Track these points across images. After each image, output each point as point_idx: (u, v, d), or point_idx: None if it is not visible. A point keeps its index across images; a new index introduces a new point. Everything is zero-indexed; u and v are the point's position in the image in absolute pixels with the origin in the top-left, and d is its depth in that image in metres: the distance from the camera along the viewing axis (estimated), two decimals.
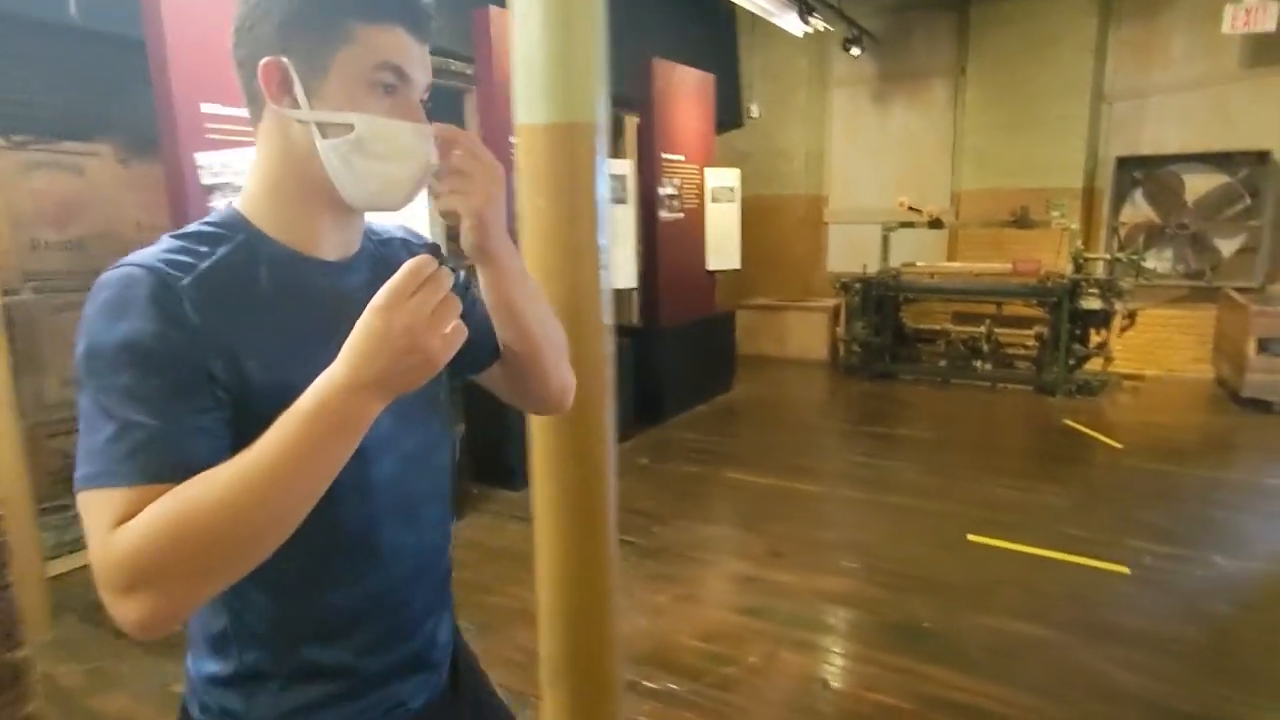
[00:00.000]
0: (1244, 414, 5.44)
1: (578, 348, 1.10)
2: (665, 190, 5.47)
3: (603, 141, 1.46)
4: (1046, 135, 6.76)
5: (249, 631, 0.81)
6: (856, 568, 3.30)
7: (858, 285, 6.66)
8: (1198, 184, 6.36)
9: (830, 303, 7.51)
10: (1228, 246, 6.38)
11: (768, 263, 7.89)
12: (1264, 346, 5.34)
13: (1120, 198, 6.66)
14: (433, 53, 0.82)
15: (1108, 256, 6.38)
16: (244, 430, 0.70)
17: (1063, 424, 5.32)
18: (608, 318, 1.54)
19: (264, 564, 0.69)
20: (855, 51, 6.78)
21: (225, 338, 0.72)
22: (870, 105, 7.69)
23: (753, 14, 6.10)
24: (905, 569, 3.27)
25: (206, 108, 2.71)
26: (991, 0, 6.91)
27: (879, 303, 6.65)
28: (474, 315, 0.86)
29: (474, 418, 4.35)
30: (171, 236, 0.77)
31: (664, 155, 5.43)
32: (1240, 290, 6.03)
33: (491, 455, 4.27)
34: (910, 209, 6.62)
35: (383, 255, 0.89)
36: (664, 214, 5.47)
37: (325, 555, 0.81)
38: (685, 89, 5.63)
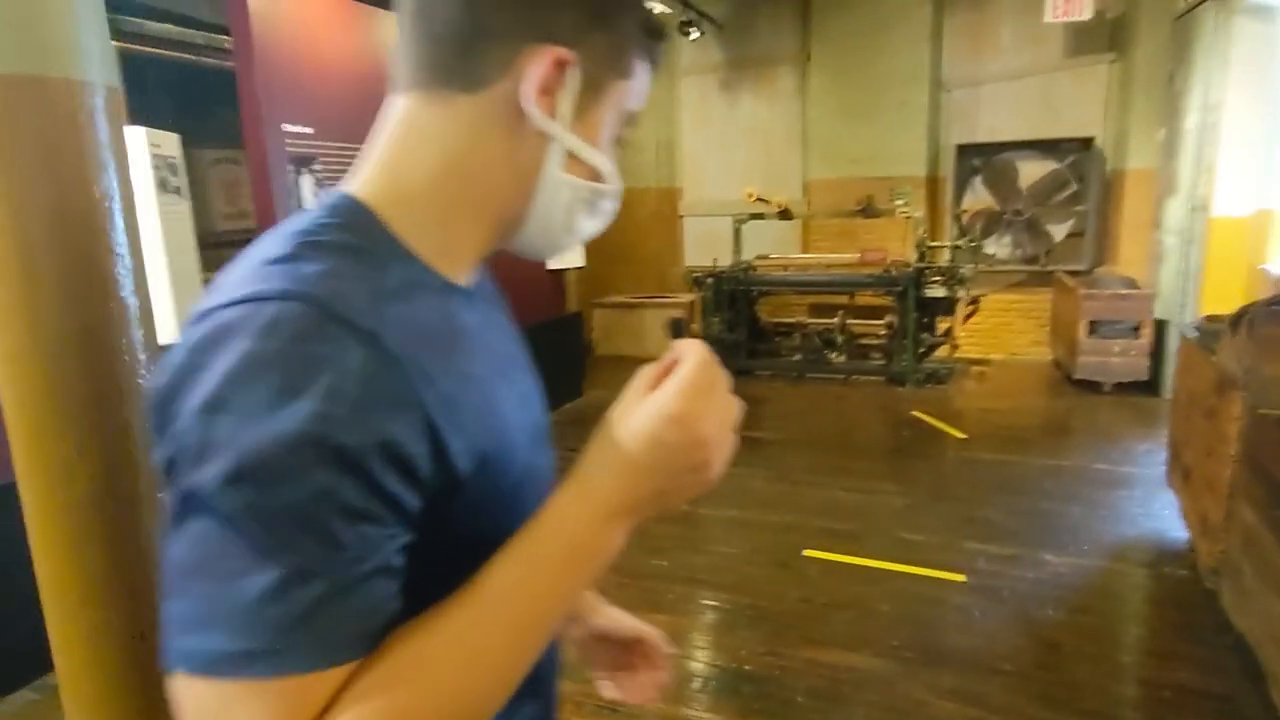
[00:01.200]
0: (1078, 395, 5.57)
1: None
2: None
3: (112, 109, 1.02)
4: (889, 123, 6.75)
5: None
6: (677, 600, 3.00)
7: (709, 280, 6.44)
8: (1031, 170, 6.50)
9: (687, 298, 7.28)
10: (1059, 231, 6.56)
11: (622, 259, 7.59)
12: (1093, 329, 5.48)
13: (961, 185, 6.74)
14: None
15: (950, 243, 6.43)
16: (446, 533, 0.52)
17: (910, 415, 5.27)
18: (138, 366, 1.10)
19: None
20: (694, 35, 6.54)
21: (432, 409, 0.51)
22: (719, 94, 7.50)
23: None
24: (735, 598, 2.99)
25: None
26: None
27: (732, 297, 6.46)
28: None
29: None
30: (309, 245, 0.52)
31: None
32: (1071, 274, 6.21)
33: None
34: (758, 200, 6.46)
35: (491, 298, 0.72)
36: None
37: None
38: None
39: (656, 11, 6.19)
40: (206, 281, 4.18)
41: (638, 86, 0.62)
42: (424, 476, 0.50)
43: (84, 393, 1.00)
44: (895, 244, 6.53)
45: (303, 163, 3.64)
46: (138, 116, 4.00)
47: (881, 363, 6.34)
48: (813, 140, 7.21)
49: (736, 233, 6.62)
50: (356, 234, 0.54)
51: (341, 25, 3.85)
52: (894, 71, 6.68)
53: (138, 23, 3.64)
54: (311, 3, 3.67)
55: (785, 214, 6.52)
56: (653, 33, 0.62)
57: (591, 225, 0.65)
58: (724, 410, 0.55)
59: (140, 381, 1.07)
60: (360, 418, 0.45)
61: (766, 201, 6.46)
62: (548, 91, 0.56)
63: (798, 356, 6.58)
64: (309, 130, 3.65)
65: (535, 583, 0.52)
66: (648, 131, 7.64)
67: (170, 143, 2.97)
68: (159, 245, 2.82)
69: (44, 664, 1.05)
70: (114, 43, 3.51)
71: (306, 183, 3.66)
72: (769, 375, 6.52)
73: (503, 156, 0.58)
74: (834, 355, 6.48)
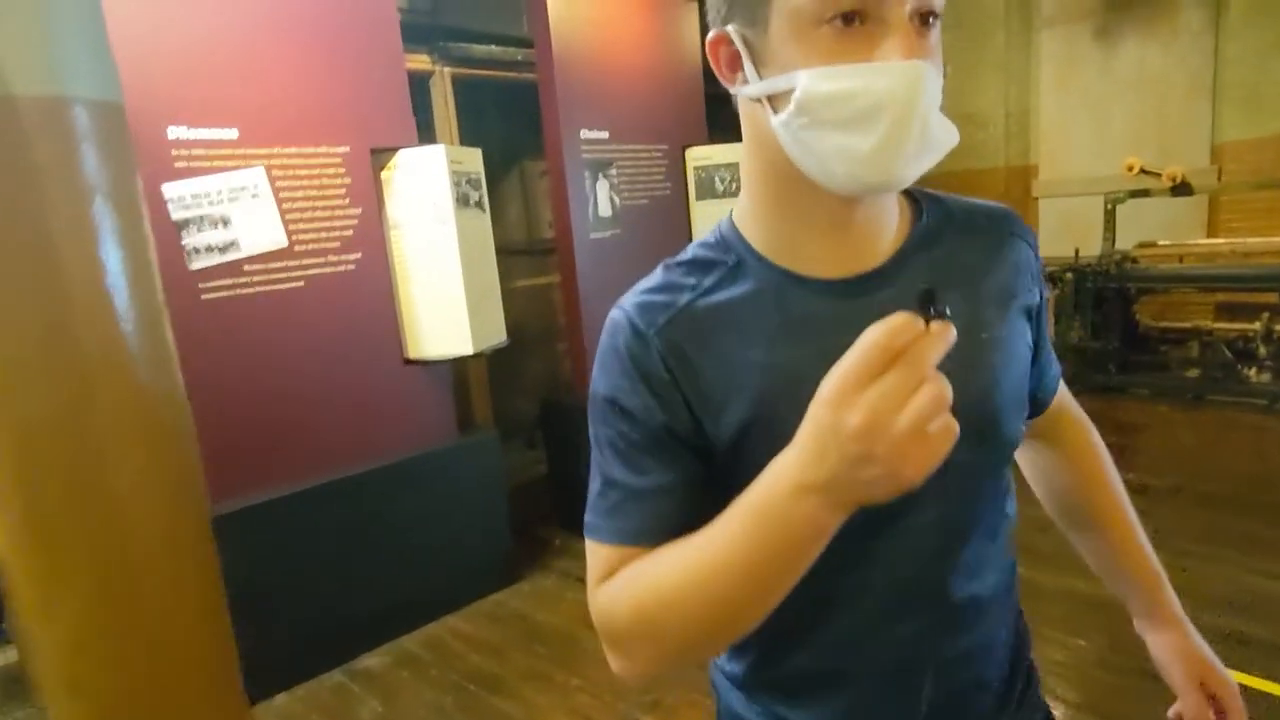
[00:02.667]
0: None
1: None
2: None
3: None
4: None
5: None
6: None
7: (1068, 275, 5.26)
8: None
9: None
10: None
11: None
12: None
13: None
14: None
15: None
16: (730, 486, 0.60)
17: None
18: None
19: None
20: None
21: (693, 393, 0.66)
22: (1092, 46, 6.12)
23: None
24: (1077, 715, 2.23)
25: (173, 131, 2.41)
26: None
27: (1099, 296, 5.20)
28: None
29: (555, 446, 3.84)
30: (664, 266, 0.73)
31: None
32: None
33: (576, 495, 3.73)
34: (1144, 172, 5.11)
35: (938, 239, 0.71)
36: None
37: None
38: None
39: None
40: (522, 287, 4.34)
41: None
42: (683, 434, 0.66)
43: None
44: None
45: (599, 168, 3.58)
46: (473, 136, 4.37)
47: None
48: (1228, 88, 5.52)
49: (1109, 214, 5.33)
50: (713, 249, 0.71)
51: (640, 20, 3.73)
52: None
53: (463, 47, 3.89)
54: (608, 1, 3.58)
55: (1183, 188, 5.07)
56: None
57: (839, 138, 0.58)
58: (891, 402, 0.47)
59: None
60: (632, 387, 0.67)
61: (1155, 174, 5.09)
62: (734, 65, 0.64)
63: (1195, 372, 5.11)
64: (604, 135, 3.58)
65: (731, 538, 0.58)
66: (993, 101, 6.54)
67: (472, 159, 3.06)
68: (454, 256, 2.91)
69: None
70: (447, 69, 3.79)
71: (602, 188, 3.61)
72: (1149, 395, 5.14)
73: (760, 136, 0.64)
74: (1252, 372, 4.90)
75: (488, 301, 3.11)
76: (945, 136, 0.62)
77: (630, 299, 0.70)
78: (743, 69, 0.62)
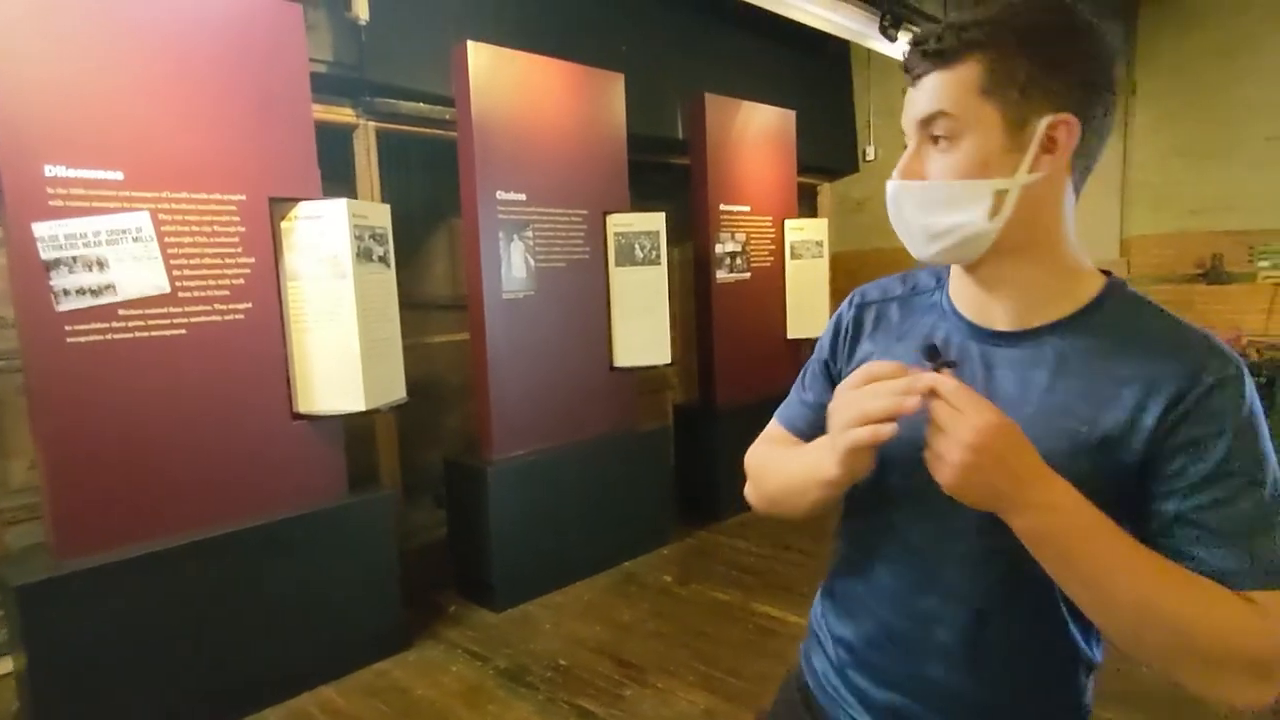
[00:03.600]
0: None
1: None
2: (724, 247, 4.66)
3: None
4: (1249, 163, 5.21)
5: None
6: None
7: None
8: None
9: None
10: None
11: None
12: None
13: None
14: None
15: None
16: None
17: None
18: None
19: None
20: None
21: (855, 351, 0.97)
22: None
23: (867, 48, 5.19)
24: None
25: (50, 170, 2.33)
26: (1168, 1, 5.53)
27: None
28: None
29: (456, 508, 3.72)
30: (907, 273, 0.97)
31: (722, 206, 4.65)
32: None
33: (473, 561, 3.60)
34: None
35: (1097, 335, 0.79)
36: (722, 275, 4.66)
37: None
38: (752, 128, 4.83)
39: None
40: (445, 342, 4.24)
41: None
42: (833, 372, 1.01)
43: None
44: (1253, 318, 4.94)
45: (515, 229, 3.58)
46: (400, 191, 4.35)
47: None
48: (1136, 187, 5.85)
49: None
50: (931, 275, 0.95)
51: (565, 88, 3.79)
52: (1259, 101, 5.16)
53: (391, 104, 3.89)
54: (533, 68, 3.64)
55: None
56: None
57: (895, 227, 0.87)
58: (854, 398, 0.75)
59: None
60: (828, 331, 1.02)
61: None
62: None
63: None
64: (521, 197, 3.59)
65: (800, 449, 0.94)
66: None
67: (378, 214, 3.02)
68: (351, 311, 2.84)
69: None
70: (371, 123, 3.79)
71: (517, 249, 3.59)
72: None
73: None
74: None
75: (385, 358, 3.04)
76: (916, 222, 0.82)
77: (869, 284, 1.01)
78: None
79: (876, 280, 0.99)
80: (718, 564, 4.01)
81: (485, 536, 3.47)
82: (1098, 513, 0.70)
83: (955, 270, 0.89)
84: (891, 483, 0.87)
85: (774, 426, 1.06)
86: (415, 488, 4.35)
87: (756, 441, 1.07)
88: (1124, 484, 0.75)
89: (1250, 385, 0.75)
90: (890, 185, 0.83)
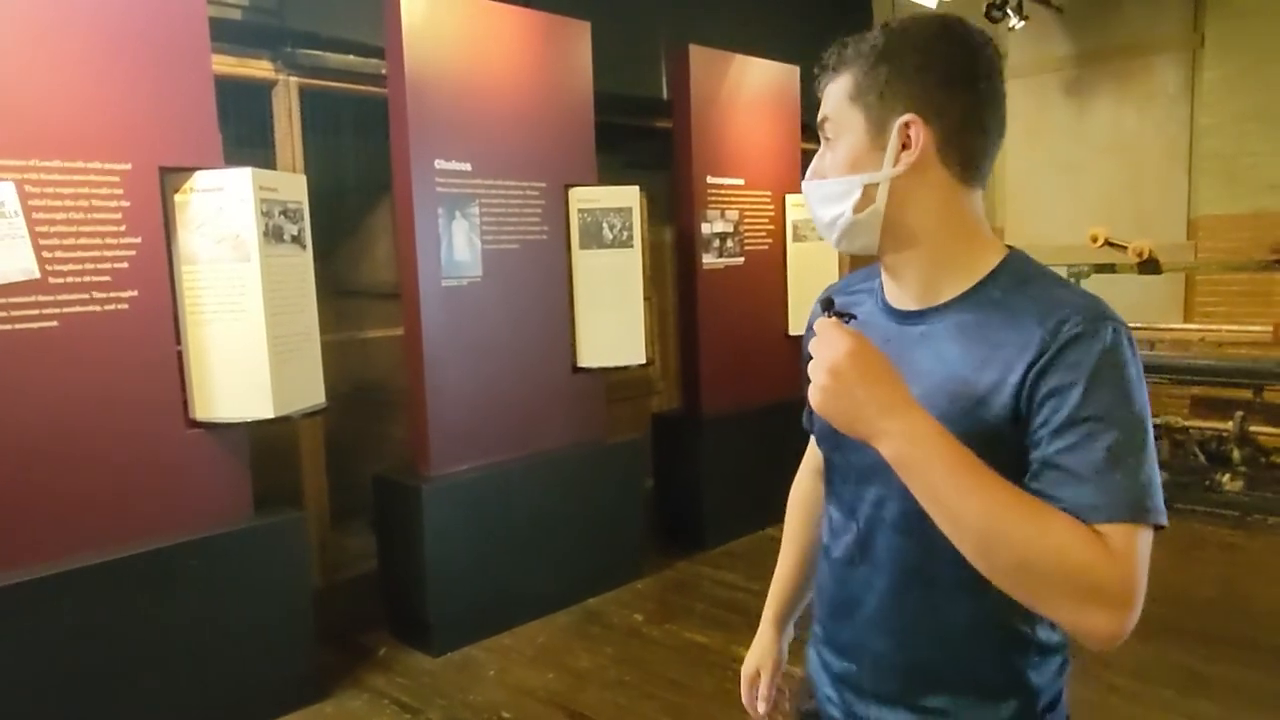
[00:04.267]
0: None
1: None
2: (712, 227, 4.69)
3: None
4: None
5: None
6: None
7: None
8: None
9: None
10: None
11: None
12: None
13: None
14: None
15: None
16: None
17: None
18: None
19: None
20: (1015, 23, 5.67)
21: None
22: (1063, 100, 6.48)
23: None
24: None
25: None
26: None
27: None
28: None
29: (387, 533, 3.75)
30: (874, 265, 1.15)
31: (710, 178, 4.67)
32: None
33: (407, 596, 3.63)
34: (1109, 244, 5.34)
35: (984, 309, 1.01)
36: (709, 259, 4.68)
37: None
38: (747, 87, 4.85)
39: None
40: (385, 337, 4.25)
41: None
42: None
43: None
44: None
45: (457, 205, 3.60)
46: (326, 161, 4.38)
47: None
48: (1205, 159, 5.87)
49: None
50: (872, 269, 1.16)
51: (518, 37, 3.81)
52: None
53: (316, 55, 3.92)
54: (480, 14, 3.66)
55: (1150, 265, 5.30)
56: None
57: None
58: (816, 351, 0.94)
59: None
60: (808, 334, 1.11)
61: (1121, 247, 5.32)
62: None
63: (1164, 476, 5.25)
64: (465, 167, 3.61)
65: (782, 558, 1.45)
66: None
67: (291, 185, 3.05)
68: (257, 300, 2.87)
69: None
70: (294, 79, 3.81)
71: (460, 228, 3.62)
72: None
73: None
74: (1225, 478, 5.07)
75: (299, 356, 3.06)
76: (822, 215, 1.06)
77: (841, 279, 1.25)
78: None
79: (845, 276, 1.23)
80: (698, 600, 4.04)
81: (420, 567, 3.49)
82: (957, 444, 0.88)
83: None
84: (843, 462, 1.13)
85: (812, 445, 1.35)
86: (349, 510, 4.38)
87: (800, 469, 1.42)
88: (1003, 438, 0.94)
89: (1118, 338, 0.91)
90: (805, 187, 1.10)
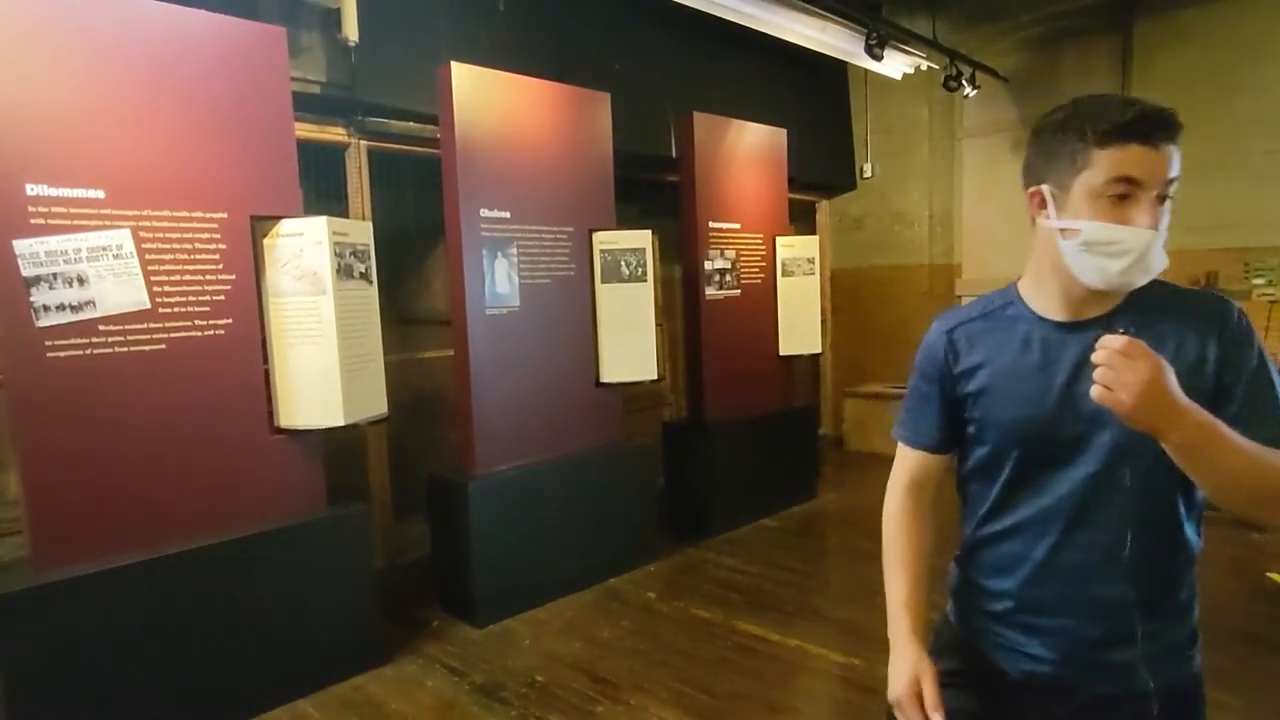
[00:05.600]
0: None
1: None
2: (714, 264, 4.68)
3: None
4: (1246, 180, 5.17)
5: None
6: None
7: None
8: None
9: None
10: None
11: (886, 343, 6.74)
12: None
13: None
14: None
15: None
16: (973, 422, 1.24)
17: (1268, 580, 3.74)
18: None
19: None
20: (969, 92, 5.65)
21: (960, 363, 1.24)
22: (1010, 156, 6.42)
23: (865, 67, 5.19)
24: None
25: (32, 189, 2.39)
26: (1163, 11, 5.52)
27: None
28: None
29: (439, 523, 3.73)
30: (971, 302, 1.28)
31: (712, 223, 4.67)
32: None
33: (456, 576, 3.61)
34: None
35: (1154, 315, 1.11)
36: (711, 291, 4.67)
37: None
38: (743, 146, 4.86)
39: (924, 68, 5.49)
40: (443, 358, 4.24)
41: (1106, 163, 1.03)
42: (950, 387, 1.26)
43: None
44: None
45: (499, 246, 3.62)
46: (389, 210, 4.41)
47: None
48: None
49: None
50: (999, 296, 1.25)
51: (549, 106, 3.83)
52: (1256, 112, 5.13)
53: (382, 123, 3.96)
54: (517, 88, 3.69)
55: None
56: (1099, 129, 1.04)
57: (1102, 262, 1.05)
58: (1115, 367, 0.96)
59: None
60: (929, 359, 1.28)
61: None
62: (1041, 206, 1.12)
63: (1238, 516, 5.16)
64: (505, 214, 3.63)
65: (890, 572, 1.35)
66: (918, 203, 6.79)
67: (359, 231, 3.06)
68: (331, 327, 2.88)
69: None
70: (364, 142, 3.85)
71: (501, 266, 3.63)
72: None
73: (1048, 244, 1.13)
74: None
75: (365, 373, 3.07)
76: (1160, 264, 1.05)
77: (946, 313, 1.30)
78: (1046, 209, 1.11)
79: (942, 315, 1.31)
80: (703, 582, 3.99)
81: (467, 552, 3.48)
82: (1220, 423, 0.97)
83: (1061, 289, 1.15)
84: (1036, 455, 1.14)
85: (902, 454, 1.34)
86: (409, 504, 4.37)
87: (890, 483, 1.36)
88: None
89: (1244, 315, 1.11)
90: (1151, 234, 1.04)
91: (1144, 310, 1.10)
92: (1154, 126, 1.01)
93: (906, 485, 1.33)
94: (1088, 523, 1.11)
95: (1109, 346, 0.94)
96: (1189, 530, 1.12)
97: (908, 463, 1.33)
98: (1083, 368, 1.03)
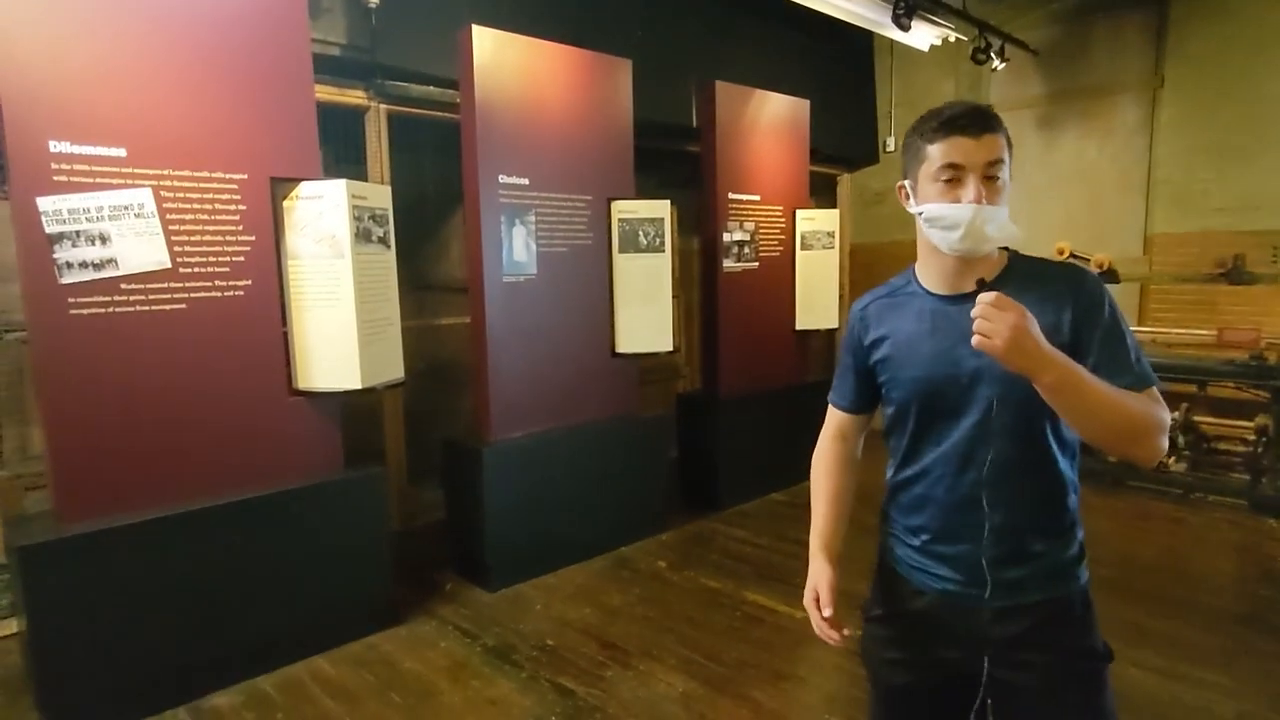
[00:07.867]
0: None
1: None
2: (732, 236, 4.63)
3: None
4: (1275, 162, 5.03)
5: None
6: None
7: None
8: None
9: None
10: None
11: None
12: None
13: None
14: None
15: None
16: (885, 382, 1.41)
17: None
18: None
19: None
20: (996, 65, 5.52)
21: (869, 341, 1.42)
22: (1035, 132, 6.29)
23: (891, 37, 5.07)
24: None
25: (55, 145, 2.39)
26: None
27: None
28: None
29: (453, 488, 3.76)
30: (885, 284, 1.45)
31: (731, 195, 4.61)
32: None
33: (470, 540, 3.64)
34: (1074, 256, 5.18)
35: (1024, 285, 1.25)
36: (729, 263, 4.63)
37: None
38: (764, 117, 4.78)
39: (952, 40, 5.36)
40: (460, 324, 4.24)
41: (935, 154, 1.23)
42: (862, 357, 1.44)
43: None
44: (1274, 320, 4.79)
45: (516, 213, 3.59)
46: (408, 175, 4.38)
47: (1244, 479, 4.65)
48: (1160, 185, 5.68)
49: None
50: (901, 278, 1.41)
51: (570, 74, 3.78)
52: None
53: (402, 86, 3.92)
54: (538, 53, 3.63)
55: (1110, 275, 5.14)
56: (928, 129, 1.24)
57: (943, 234, 1.24)
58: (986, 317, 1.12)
59: None
60: (849, 334, 1.47)
61: (1084, 259, 5.17)
62: (905, 199, 1.32)
63: (1115, 458, 5.12)
64: (524, 181, 3.59)
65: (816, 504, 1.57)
66: None
67: (378, 195, 3.04)
68: (349, 290, 2.88)
69: None
70: (383, 106, 3.81)
71: (519, 234, 3.61)
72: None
73: (918, 231, 1.33)
74: (1171, 461, 4.92)
75: (383, 338, 3.07)
76: (1001, 234, 1.22)
77: (866, 293, 1.46)
78: (911, 200, 1.30)
79: (862, 294, 1.48)
80: (713, 552, 4.01)
81: (481, 517, 3.50)
82: (1084, 369, 1.13)
83: (937, 265, 1.33)
84: (933, 409, 1.31)
85: (831, 412, 1.55)
86: (423, 468, 4.41)
87: (821, 435, 1.56)
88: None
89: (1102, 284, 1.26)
90: (974, 208, 1.21)
91: (1011, 281, 1.25)
92: (970, 121, 1.19)
93: (832, 436, 1.55)
94: (975, 462, 1.27)
95: (983, 301, 1.10)
96: (1064, 465, 1.28)
97: (834, 419, 1.55)
98: (965, 333, 1.14)
